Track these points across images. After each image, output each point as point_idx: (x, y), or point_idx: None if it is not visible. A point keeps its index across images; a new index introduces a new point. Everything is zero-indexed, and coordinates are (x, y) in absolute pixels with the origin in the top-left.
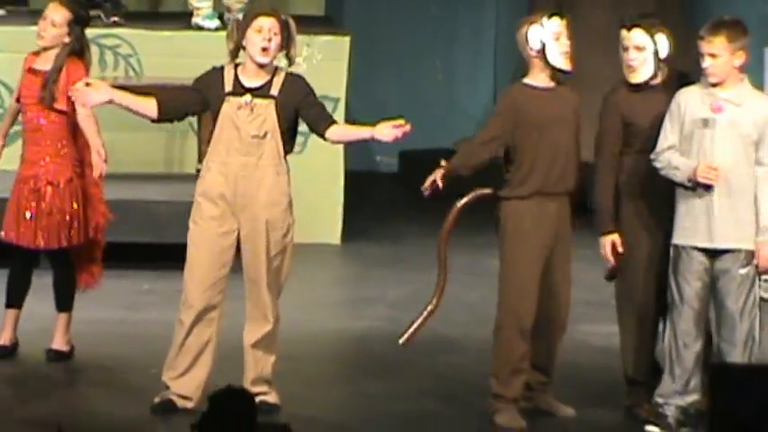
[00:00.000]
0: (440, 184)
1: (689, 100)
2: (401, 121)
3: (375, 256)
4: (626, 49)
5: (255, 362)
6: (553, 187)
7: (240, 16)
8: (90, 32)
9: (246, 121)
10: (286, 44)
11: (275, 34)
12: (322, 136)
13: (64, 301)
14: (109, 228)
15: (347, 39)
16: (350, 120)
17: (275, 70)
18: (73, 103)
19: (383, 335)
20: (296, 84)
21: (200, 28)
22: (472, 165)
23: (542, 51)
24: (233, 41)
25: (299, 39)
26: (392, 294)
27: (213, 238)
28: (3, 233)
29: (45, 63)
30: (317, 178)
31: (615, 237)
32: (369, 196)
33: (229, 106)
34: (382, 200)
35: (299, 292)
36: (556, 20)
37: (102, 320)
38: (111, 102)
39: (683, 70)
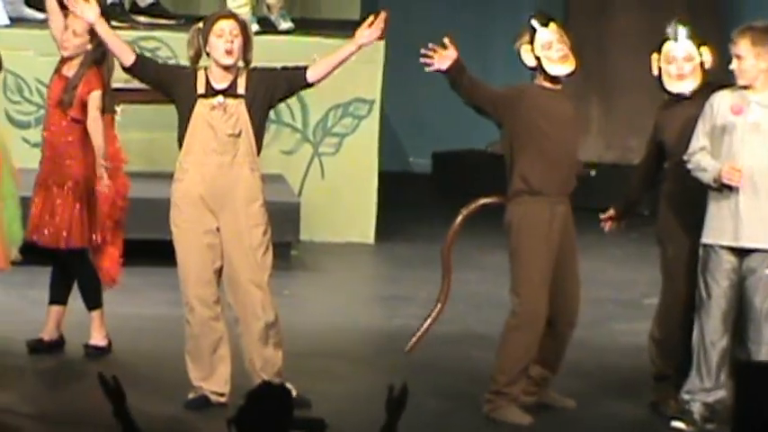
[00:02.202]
0: (448, 57)
1: (720, 103)
2: (372, 18)
3: (408, 256)
4: (673, 59)
5: (261, 357)
6: (562, 189)
7: (282, 21)
8: (130, 35)
9: (222, 121)
10: (243, 50)
11: (236, 36)
12: (307, 83)
13: (91, 300)
14: (152, 226)
15: (381, 42)
16: (386, 124)
17: (237, 70)
18: (85, 110)
19: (415, 333)
20: (258, 75)
21: None
22: (465, 86)
23: (539, 65)
24: (193, 48)
25: (335, 42)
26: (424, 293)
27: (198, 237)
28: None
29: (70, 69)
30: (352, 178)
31: (611, 213)
32: (402, 197)
33: (203, 108)
34: (416, 200)
35: (333, 290)
36: (544, 30)
37: (143, 316)
38: (94, 25)
39: (714, 80)
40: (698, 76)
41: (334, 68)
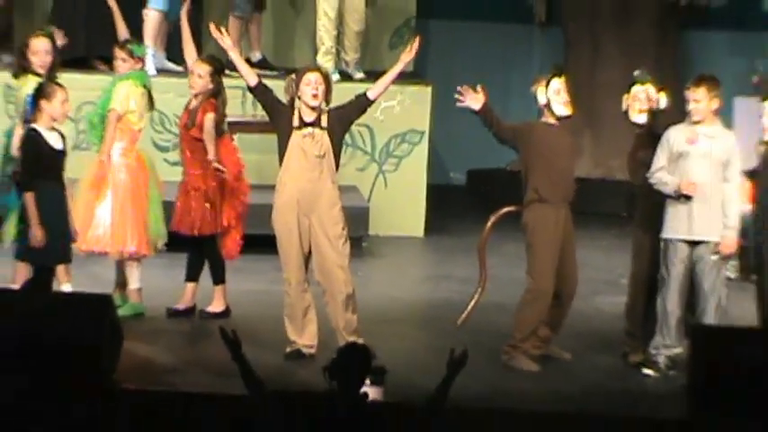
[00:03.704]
0: (473, 94)
1: (676, 134)
2: (410, 44)
3: (449, 246)
4: (636, 98)
5: (345, 321)
6: (564, 199)
7: (355, 70)
8: (242, 83)
9: (311, 146)
10: (325, 93)
11: (320, 84)
12: (370, 101)
13: (217, 277)
14: (257, 224)
15: (429, 88)
16: (433, 148)
17: (321, 109)
18: (202, 128)
19: (455, 303)
20: (335, 112)
21: None
22: (492, 124)
23: (548, 105)
24: (289, 94)
25: (394, 89)
26: (462, 274)
27: (295, 232)
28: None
29: (195, 103)
30: (407, 189)
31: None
32: (445, 203)
33: (297, 137)
34: (455, 205)
35: (394, 272)
36: (556, 80)
37: (253, 291)
38: (229, 51)
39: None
40: (649, 113)
41: (389, 85)
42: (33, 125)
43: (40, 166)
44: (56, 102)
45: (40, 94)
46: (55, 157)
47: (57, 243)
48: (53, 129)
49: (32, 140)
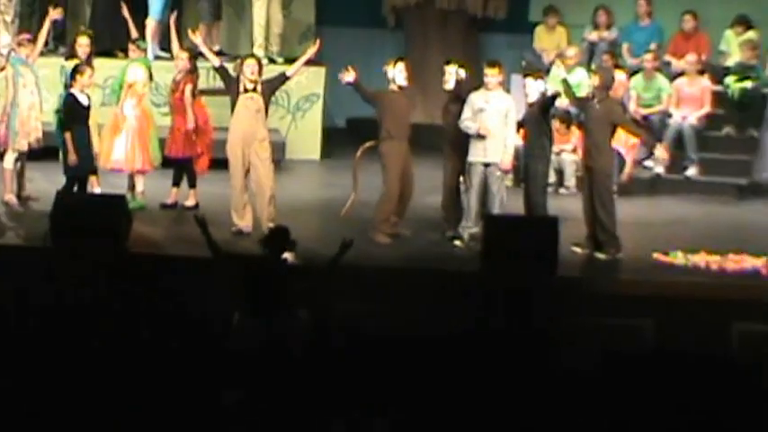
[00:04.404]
0: (349, 72)
1: (476, 97)
2: (314, 44)
3: (335, 166)
4: (446, 72)
5: (267, 213)
6: (405, 137)
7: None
8: (203, 65)
9: (251, 104)
10: (259, 72)
11: (255, 66)
12: (287, 78)
13: (191, 183)
14: (217, 150)
15: (323, 68)
16: (324, 105)
17: (257, 81)
18: (183, 93)
19: (340, 201)
20: (266, 83)
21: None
22: (360, 90)
23: (394, 78)
24: (237, 72)
25: (302, 68)
26: (343, 183)
27: (239, 157)
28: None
29: (179, 76)
30: (309, 130)
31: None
32: (333, 139)
33: (242, 99)
34: (338, 141)
35: (300, 181)
36: (400, 63)
37: (213, 192)
38: (200, 47)
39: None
40: (455, 82)
41: (300, 68)
42: (71, 90)
43: (75, 116)
44: (85, 76)
45: (76, 70)
46: (83, 110)
47: (85, 162)
48: (83, 92)
49: (70, 100)
